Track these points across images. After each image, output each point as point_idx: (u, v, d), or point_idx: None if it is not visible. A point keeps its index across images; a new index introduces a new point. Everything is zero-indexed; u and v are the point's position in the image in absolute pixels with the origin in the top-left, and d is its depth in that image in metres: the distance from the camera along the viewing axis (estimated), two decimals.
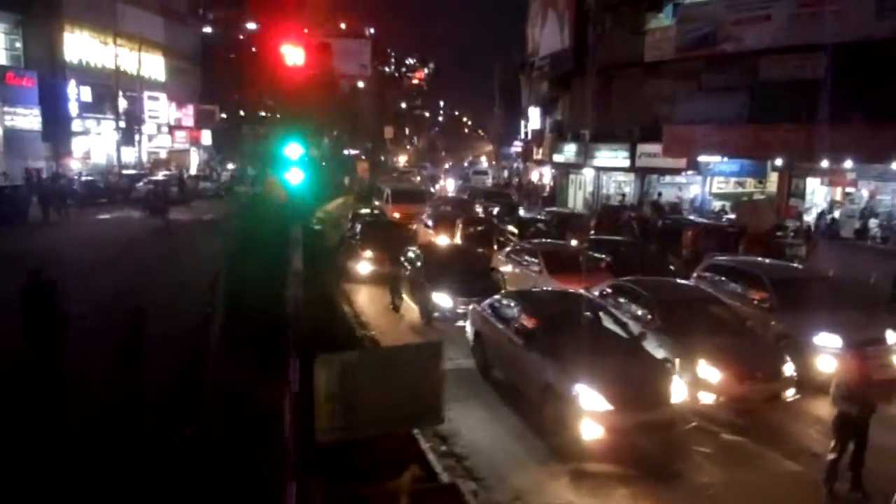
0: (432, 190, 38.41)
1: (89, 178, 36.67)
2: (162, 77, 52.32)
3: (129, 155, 46.09)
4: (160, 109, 51.86)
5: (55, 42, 40.22)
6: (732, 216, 25.83)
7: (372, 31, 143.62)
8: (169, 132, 52.87)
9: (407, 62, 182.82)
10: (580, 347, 9.18)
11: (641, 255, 16.94)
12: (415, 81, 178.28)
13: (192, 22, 57.63)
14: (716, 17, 26.42)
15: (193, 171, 52.54)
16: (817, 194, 26.33)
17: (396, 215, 26.21)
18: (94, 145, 42.97)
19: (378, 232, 18.30)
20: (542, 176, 43.02)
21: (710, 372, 9.72)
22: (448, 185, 48.32)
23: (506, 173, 55.76)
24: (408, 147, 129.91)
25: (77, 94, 41.21)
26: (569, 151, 34.99)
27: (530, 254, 16.11)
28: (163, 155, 50.87)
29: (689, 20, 27.40)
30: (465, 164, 68.02)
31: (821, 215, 24.03)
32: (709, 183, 28.55)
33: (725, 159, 26.59)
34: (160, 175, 41.43)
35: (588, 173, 34.26)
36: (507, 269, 16.43)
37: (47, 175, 35.80)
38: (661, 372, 9.21)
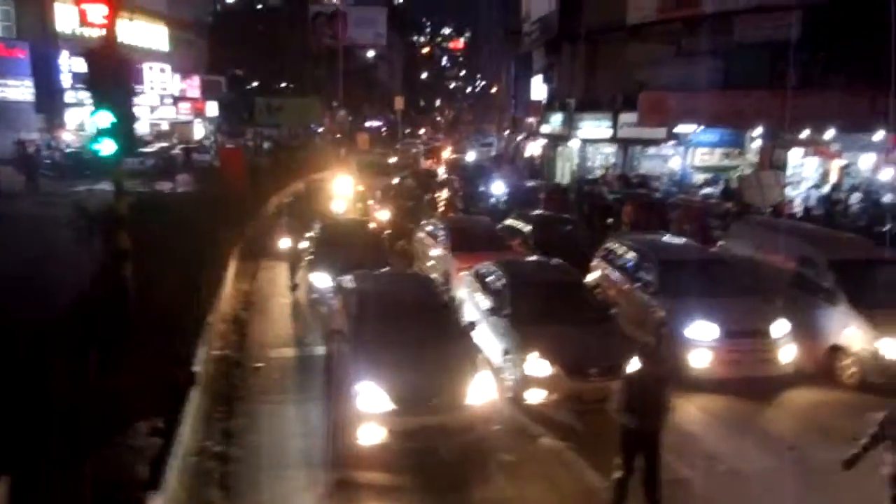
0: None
1: (73, 149, 36.53)
2: (165, 47, 52.02)
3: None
4: (164, 80, 51.69)
5: (47, 12, 40.11)
6: (710, 189, 24.38)
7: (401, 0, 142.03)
8: (173, 103, 52.69)
9: (443, 32, 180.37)
10: (386, 339, 8.24)
11: (568, 233, 15.75)
12: (450, 51, 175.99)
13: None
14: None
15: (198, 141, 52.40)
16: (807, 167, 24.54)
17: (360, 188, 25.48)
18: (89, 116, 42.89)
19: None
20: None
21: (540, 366, 8.68)
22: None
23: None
24: (438, 119, 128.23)
25: (69, 65, 41.11)
26: (555, 122, 33.53)
27: (440, 229, 15.09)
28: (165, 126, 50.73)
29: None
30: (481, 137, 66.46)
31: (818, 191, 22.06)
32: (691, 155, 26.88)
33: (702, 128, 24.91)
34: (155, 146, 41.30)
35: (574, 145, 32.77)
36: (426, 246, 15.53)
37: (36, 146, 35.89)
38: (466, 367, 8.14)
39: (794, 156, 23.90)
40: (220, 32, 63.92)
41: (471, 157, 43.47)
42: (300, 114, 71.55)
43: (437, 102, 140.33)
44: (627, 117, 27.60)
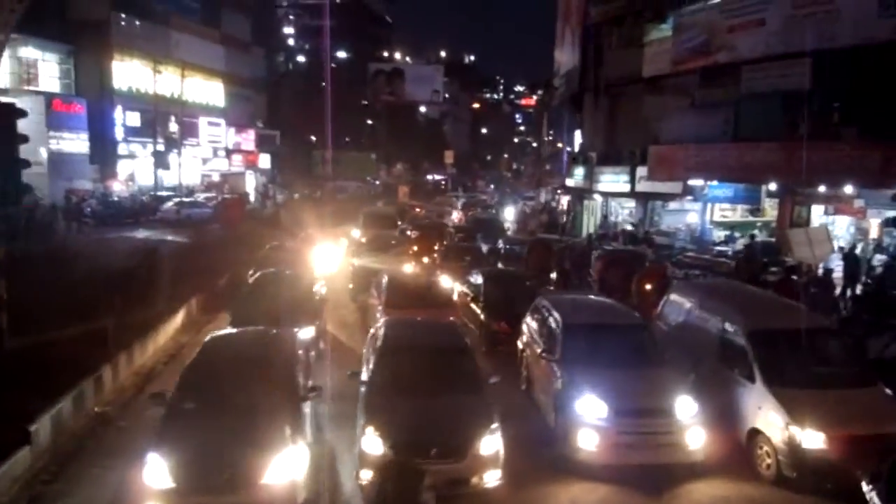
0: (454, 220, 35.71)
1: (115, 198, 38.05)
2: (221, 103, 54.28)
3: (186, 177, 47.76)
4: (218, 133, 53.81)
5: (104, 70, 42.56)
6: (725, 248, 22.84)
7: (472, 58, 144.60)
8: (226, 156, 54.65)
9: (516, 89, 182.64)
10: (207, 408, 7.61)
11: (525, 289, 14.74)
12: (522, 107, 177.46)
13: (255, 50, 59.59)
14: (710, 24, 23.72)
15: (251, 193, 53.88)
16: (839, 225, 22.64)
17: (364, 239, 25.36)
18: (141, 167, 44.78)
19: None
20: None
21: (373, 443, 7.80)
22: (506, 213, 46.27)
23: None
24: (506, 173, 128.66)
25: (123, 119, 43.35)
26: (578, 175, 32.59)
27: (381, 283, 14.44)
28: (216, 178, 52.51)
29: (684, 29, 24.74)
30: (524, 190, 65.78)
31: (849, 253, 20.03)
32: (710, 210, 25.38)
33: (714, 183, 23.51)
34: (199, 196, 42.63)
35: (598, 198, 31.70)
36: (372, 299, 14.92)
37: (82, 196, 37.55)
38: (272, 442, 7.31)
39: (816, 212, 22.13)
40: (279, 88, 66.46)
41: (509, 211, 42.80)
42: (356, 167, 73.45)
43: (505, 156, 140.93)
44: (644, 171, 26.46)
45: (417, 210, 40.23)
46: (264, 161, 59.55)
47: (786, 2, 20.90)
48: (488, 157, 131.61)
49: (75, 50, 41.42)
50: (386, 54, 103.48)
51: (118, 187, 42.10)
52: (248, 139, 57.77)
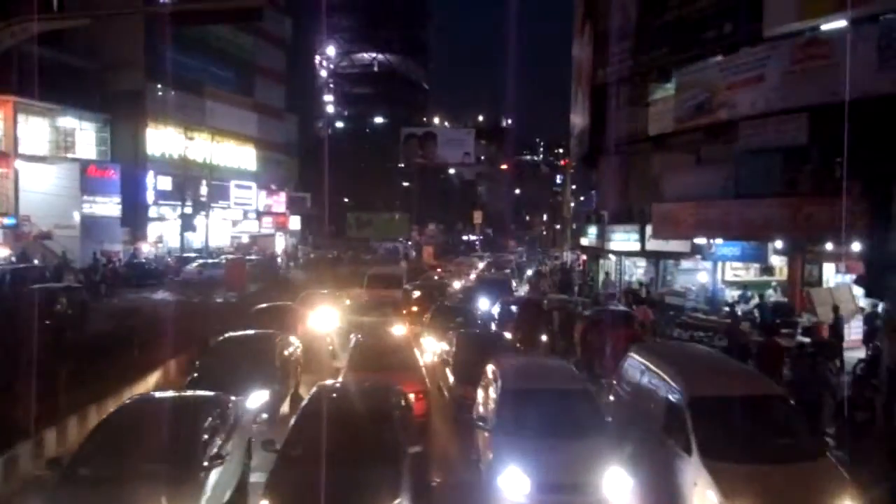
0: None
1: (140, 260, 38.94)
2: (253, 167, 55.86)
3: (215, 239, 48.77)
4: (249, 196, 55.18)
5: (139, 137, 44.40)
6: (735, 309, 22.00)
7: (510, 121, 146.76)
8: (257, 217, 55.87)
9: (557, 151, 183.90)
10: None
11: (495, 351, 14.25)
12: (562, 167, 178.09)
13: (288, 117, 61.44)
14: (711, 82, 23.42)
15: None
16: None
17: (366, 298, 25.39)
18: (171, 230, 45.91)
19: None
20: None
21: None
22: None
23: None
24: (545, 233, 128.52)
25: (154, 183, 44.85)
26: (591, 234, 32.16)
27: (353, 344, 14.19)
28: (245, 239, 53.54)
29: (686, 88, 24.48)
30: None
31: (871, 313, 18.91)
32: (720, 269, 24.57)
33: (719, 241, 22.80)
34: (223, 258, 43.34)
35: (613, 258, 31.13)
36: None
37: (108, 258, 38.58)
38: None
39: (828, 270, 21.22)
40: (315, 153, 68.08)
41: (530, 270, 42.43)
42: (388, 228, 74.23)
43: (545, 217, 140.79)
44: None
45: (438, 270, 40.16)
46: (294, 223, 60.62)
47: (784, 56, 20.53)
48: (527, 218, 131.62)
49: (111, 119, 43.30)
50: (424, 119, 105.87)
51: (147, 249, 43.27)
52: (279, 202, 59.07)
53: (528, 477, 8.11)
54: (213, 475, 8.19)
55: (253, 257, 43.94)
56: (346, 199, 72.09)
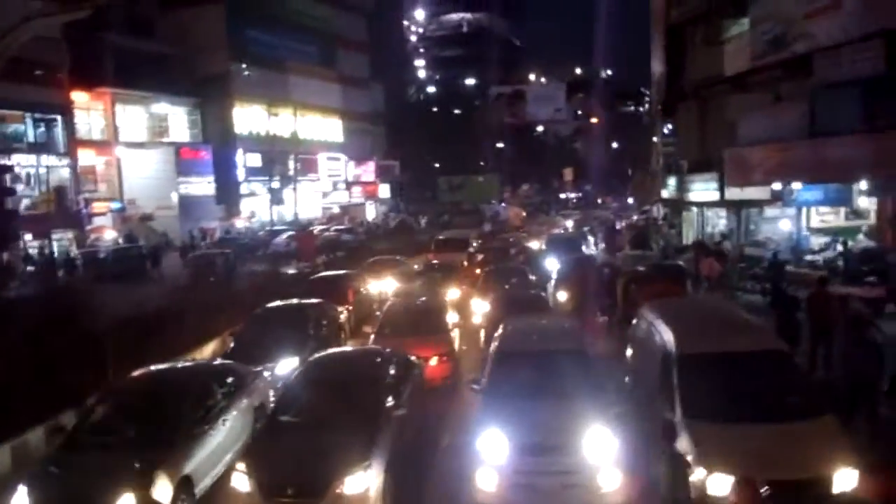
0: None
1: (231, 235, 40.83)
2: (340, 138, 57.01)
3: (306, 211, 50.39)
4: (338, 167, 56.46)
5: (226, 118, 46.34)
6: (816, 257, 20.51)
7: (609, 72, 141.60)
8: (346, 188, 57.15)
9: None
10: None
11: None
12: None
13: (373, 86, 61.96)
14: (787, 13, 21.44)
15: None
16: None
17: (435, 262, 25.43)
18: (261, 204, 47.78)
19: None
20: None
21: (240, 480, 7.67)
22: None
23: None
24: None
25: (244, 160, 46.73)
26: (671, 186, 30.55)
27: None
28: (336, 209, 54.94)
29: (761, 21, 22.59)
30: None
31: None
32: (805, 215, 22.81)
33: (799, 186, 21.04)
34: (315, 229, 44.73)
35: (694, 209, 29.51)
36: None
37: (197, 234, 40.73)
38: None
39: None
40: (405, 119, 68.59)
41: (619, 225, 41.02)
42: (480, 190, 73.89)
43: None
44: None
45: (521, 232, 39.62)
46: (384, 191, 61.51)
47: None
48: (630, 172, 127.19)
49: (201, 102, 45.36)
50: (521, 77, 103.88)
51: (240, 224, 45.32)
52: (368, 171, 60.06)
53: (507, 438, 7.89)
54: (207, 438, 8.52)
55: (341, 227, 45.12)
56: (436, 165, 72.21)
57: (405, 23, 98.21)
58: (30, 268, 28.49)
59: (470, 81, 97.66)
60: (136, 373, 9.58)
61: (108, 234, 37.15)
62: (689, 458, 7.12)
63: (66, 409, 10.95)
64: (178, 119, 44.56)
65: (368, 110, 61.17)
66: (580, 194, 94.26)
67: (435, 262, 25.31)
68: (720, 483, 6.80)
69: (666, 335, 8.65)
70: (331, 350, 10.60)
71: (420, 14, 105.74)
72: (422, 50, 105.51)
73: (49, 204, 33.62)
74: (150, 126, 42.75)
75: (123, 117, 40.96)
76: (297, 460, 7.68)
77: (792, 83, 22.01)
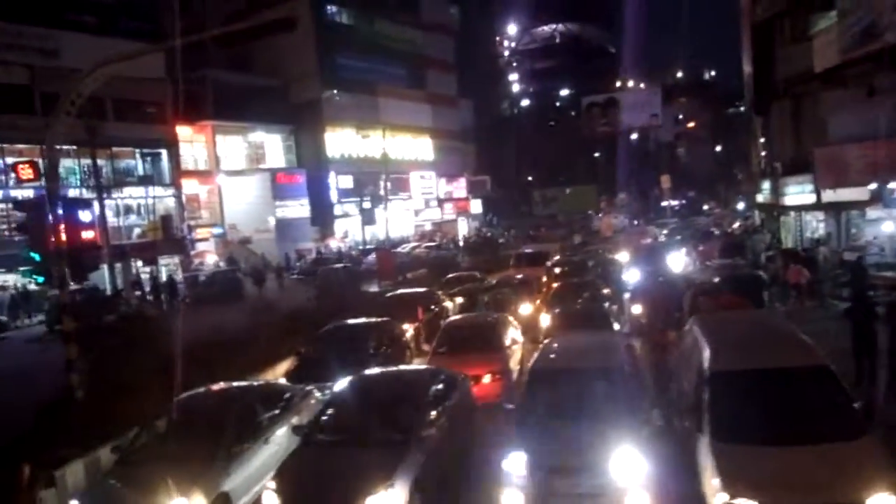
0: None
1: (324, 255, 42.22)
2: (430, 156, 57.89)
3: (398, 229, 51.49)
4: (429, 185, 57.32)
5: (319, 142, 48.12)
6: None
7: (713, 73, 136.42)
8: (438, 205, 57.87)
9: None
10: None
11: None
12: None
13: (462, 103, 62.56)
14: (876, 2, 20.07)
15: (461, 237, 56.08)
16: None
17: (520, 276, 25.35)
18: (355, 225, 49.08)
19: None
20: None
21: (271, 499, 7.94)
22: None
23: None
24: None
25: (336, 183, 48.31)
26: (765, 189, 29.02)
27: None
28: (428, 227, 55.70)
29: (849, 13, 21.23)
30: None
31: None
32: None
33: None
34: (406, 247, 45.59)
35: (792, 214, 27.90)
36: None
37: (315, 254, 42.42)
38: None
39: None
40: (490, 134, 68.76)
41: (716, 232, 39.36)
42: (575, 201, 72.83)
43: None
44: None
45: (609, 243, 38.76)
46: (476, 206, 61.83)
47: None
48: (739, 176, 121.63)
49: (295, 129, 47.38)
50: (618, 84, 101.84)
51: (335, 244, 46.82)
52: (460, 187, 60.61)
53: (532, 459, 7.76)
54: (248, 456, 8.86)
55: (431, 244, 45.77)
56: (529, 178, 71.90)
57: (497, 38, 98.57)
58: (137, 293, 30.56)
59: (564, 92, 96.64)
60: (186, 394, 10.10)
61: (210, 258, 39.39)
62: (714, 482, 6.74)
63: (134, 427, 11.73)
64: (274, 146, 46.69)
65: (458, 128, 61.82)
66: (683, 201, 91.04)
67: (519, 276, 25.17)
68: None
69: (704, 351, 8.25)
70: (375, 369, 10.75)
71: (512, 28, 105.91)
72: (514, 64, 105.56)
73: (156, 232, 35.97)
74: (248, 154, 45.03)
75: (223, 147, 43.38)
76: (323, 479, 7.87)
77: (886, 75, 20.56)
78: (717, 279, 16.21)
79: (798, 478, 6.36)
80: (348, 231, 48.85)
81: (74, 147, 32.68)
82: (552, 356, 9.80)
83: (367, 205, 46.27)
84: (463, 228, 59.13)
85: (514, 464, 7.89)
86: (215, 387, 10.36)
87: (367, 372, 10.35)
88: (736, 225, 41.67)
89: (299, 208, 45.94)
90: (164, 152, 37.93)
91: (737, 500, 6.46)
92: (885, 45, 19.65)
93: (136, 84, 31.14)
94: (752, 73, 29.14)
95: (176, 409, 9.58)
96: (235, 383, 10.79)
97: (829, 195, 23.48)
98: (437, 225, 56.75)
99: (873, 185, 19.80)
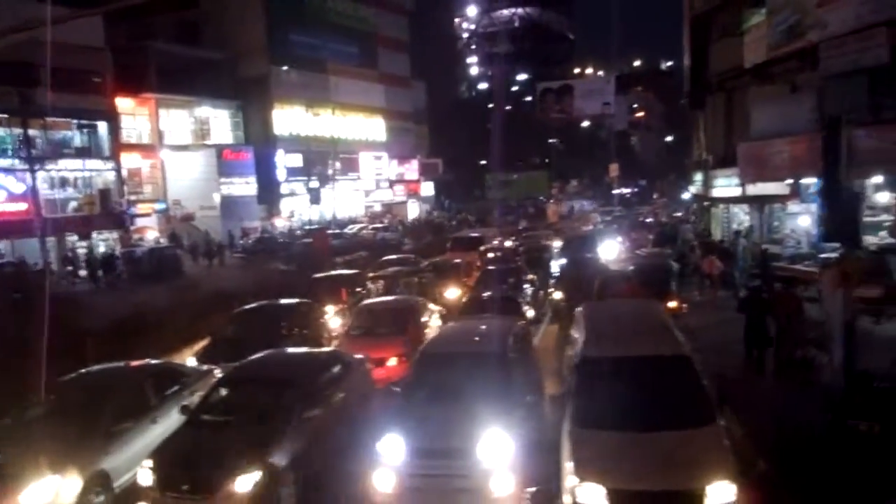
0: None
1: (268, 234, 41.83)
2: (382, 137, 57.59)
3: (347, 210, 51.33)
4: (380, 166, 57.09)
5: (267, 119, 47.43)
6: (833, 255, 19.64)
7: (670, 63, 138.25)
8: (389, 186, 57.73)
9: None
10: None
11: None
12: None
13: (416, 84, 62.30)
14: (802, 1, 20.61)
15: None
16: None
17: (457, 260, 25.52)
18: (302, 204, 48.78)
19: None
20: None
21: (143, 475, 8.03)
22: None
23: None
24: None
25: (284, 161, 47.77)
26: (697, 181, 29.73)
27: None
28: (377, 208, 55.58)
29: (777, 11, 21.77)
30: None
31: None
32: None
33: (813, 181, 20.16)
34: (352, 228, 45.42)
35: (721, 205, 28.65)
36: None
37: (259, 233, 42.06)
38: None
39: None
40: (444, 116, 68.65)
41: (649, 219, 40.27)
42: (527, 187, 73.28)
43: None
44: None
45: (553, 230, 39.25)
46: (427, 189, 61.84)
47: None
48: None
49: (242, 104, 46.59)
50: (576, 70, 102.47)
51: (280, 224, 46.41)
52: (411, 169, 60.51)
53: (404, 442, 7.96)
54: (131, 435, 8.90)
55: (379, 225, 45.73)
56: (482, 162, 72.01)
57: (456, 20, 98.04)
58: (68, 268, 29.91)
59: (521, 77, 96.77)
60: (73, 374, 10.03)
61: (151, 234, 38.68)
62: (568, 465, 7.03)
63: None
64: (221, 122, 45.85)
65: (412, 109, 61.60)
66: (635, 189, 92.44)
67: (455, 261, 25.34)
68: (592, 493, 6.70)
69: (580, 337, 8.55)
70: (273, 350, 10.83)
71: (472, 10, 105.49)
72: (473, 47, 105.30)
73: (93, 206, 35.15)
74: (193, 129, 44.14)
75: (167, 121, 42.45)
76: (196, 457, 7.97)
77: (807, 74, 21.20)
78: (630, 268, 16.63)
79: (645, 464, 6.67)
80: (295, 210, 48.45)
81: (5, 116, 31.82)
82: (442, 341, 10.01)
83: (314, 184, 46.05)
84: (413, 211, 59.16)
85: (388, 445, 8.07)
86: (104, 367, 10.32)
87: (262, 353, 10.41)
88: (677, 215, 42.61)
89: (245, 186, 45.27)
90: (103, 124, 36.95)
91: (584, 483, 6.75)
92: (809, 43, 20.22)
93: (73, 52, 30.14)
94: (689, 67, 29.66)
95: (57, 389, 9.51)
96: (131, 363, 10.73)
97: (753, 188, 24.20)
98: (386, 206, 56.66)
99: (790, 181, 20.44)
